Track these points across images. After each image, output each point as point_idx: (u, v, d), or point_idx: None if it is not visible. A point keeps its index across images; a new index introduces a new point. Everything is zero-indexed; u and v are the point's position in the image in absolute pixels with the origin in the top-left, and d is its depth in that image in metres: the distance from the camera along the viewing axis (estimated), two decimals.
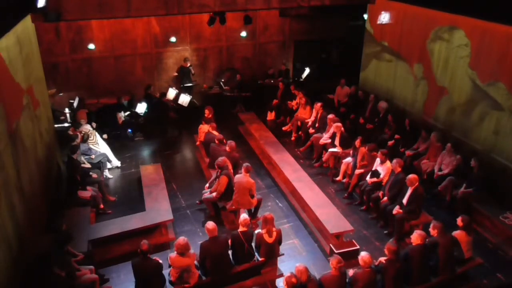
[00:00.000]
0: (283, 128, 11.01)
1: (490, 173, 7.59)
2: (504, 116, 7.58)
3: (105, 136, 9.91)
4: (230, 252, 5.78)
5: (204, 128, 9.03)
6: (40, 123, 7.69)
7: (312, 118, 10.13)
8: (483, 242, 6.97)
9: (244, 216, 5.94)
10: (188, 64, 11.92)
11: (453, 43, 8.58)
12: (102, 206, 7.67)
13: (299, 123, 10.49)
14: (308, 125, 10.11)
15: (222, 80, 12.51)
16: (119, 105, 10.62)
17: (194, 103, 11.76)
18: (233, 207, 7.12)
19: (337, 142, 8.80)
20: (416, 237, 5.49)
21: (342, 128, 8.82)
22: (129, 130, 10.69)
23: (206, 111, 9.41)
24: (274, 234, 5.83)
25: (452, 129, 8.77)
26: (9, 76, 6.06)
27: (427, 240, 5.61)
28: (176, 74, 12.05)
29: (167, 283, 5.47)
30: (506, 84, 7.49)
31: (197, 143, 9.48)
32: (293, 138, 10.56)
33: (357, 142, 8.18)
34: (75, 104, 10.40)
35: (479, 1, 7.10)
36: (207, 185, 7.81)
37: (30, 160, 6.63)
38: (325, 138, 9.19)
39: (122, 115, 10.48)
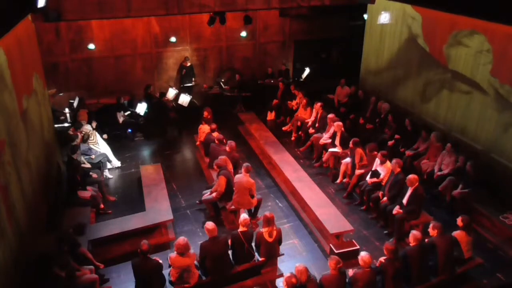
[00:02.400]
0: (283, 128, 11.01)
1: (491, 173, 7.60)
2: None
3: (105, 136, 9.92)
4: (230, 252, 5.79)
5: (204, 128, 9.03)
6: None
7: (312, 118, 10.13)
8: (483, 242, 6.97)
9: (244, 216, 5.94)
10: (188, 63, 11.93)
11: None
12: (102, 206, 7.68)
13: (299, 123, 10.49)
14: (308, 125, 10.12)
15: (222, 80, 12.52)
16: (118, 105, 10.62)
17: (194, 103, 11.77)
18: (233, 207, 7.12)
19: (337, 142, 8.80)
20: (411, 238, 5.49)
21: (343, 128, 8.82)
22: (129, 130, 10.70)
23: (205, 113, 9.40)
24: (274, 233, 5.83)
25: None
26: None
27: (425, 240, 5.62)
28: (184, 71, 12.01)
29: (167, 283, 5.47)
30: None
31: (197, 143, 9.48)
32: (293, 138, 10.57)
33: (351, 144, 8.18)
34: (75, 104, 10.40)
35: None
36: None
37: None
38: (325, 138, 9.19)
39: (122, 114, 10.47)
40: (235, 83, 12.27)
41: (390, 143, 9.20)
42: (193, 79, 12.09)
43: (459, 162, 7.72)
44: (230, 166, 7.49)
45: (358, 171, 8.00)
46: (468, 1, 6.82)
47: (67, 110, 10.29)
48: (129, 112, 10.65)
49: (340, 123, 8.85)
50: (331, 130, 9.07)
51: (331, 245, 6.54)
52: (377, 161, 7.71)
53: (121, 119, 10.43)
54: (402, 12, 9.88)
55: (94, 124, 9.35)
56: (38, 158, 7.14)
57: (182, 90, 11.79)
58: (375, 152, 7.89)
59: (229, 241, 5.73)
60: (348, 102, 11.26)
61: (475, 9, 6.69)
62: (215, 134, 8.63)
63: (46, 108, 8.50)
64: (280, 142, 9.64)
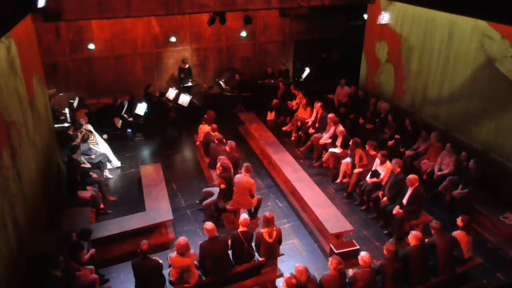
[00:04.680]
0: (283, 128, 11.01)
1: (490, 173, 7.59)
2: None
3: (105, 136, 9.91)
4: (230, 252, 5.78)
5: (204, 128, 9.03)
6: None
7: (312, 118, 10.14)
8: (483, 242, 6.97)
9: (244, 216, 5.94)
10: (187, 66, 11.91)
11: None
12: (102, 206, 7.67)
13: (299, 123, 10.49)
14: (308, 125, 10.12)
15: (222, 80, 12.52)
16: (115, 107, 10.58)
17: (194, 103, 11.77)
18: (233, 207, 7.12)
19: (338, 143, 8.79)
20: (411, 238, 5.49)
21: (345, 132, 8.79)
22: (129, 130, 10.70)
23: (207, 115, 9.35)
24: (274, 234, 5.82)
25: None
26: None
27: (426, 240, 5.62)
28: (183, 75, 12.00)
29: (167, 283, 5.47)
30: None
31: (197, 143, 9.48)
32: (293, 138, 10.57)
33: (351, 144, 8.19)
34: (75, 104, 10.40)
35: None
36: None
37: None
38: (325, 138, 9.19)
39: (119, 120, 10.45)
40: (235, 83, 12.27)
41: (390, 143, 9.20)
42: (190, 79, 12.03)
43: (463, 161, 7.68)
44: (230, 166, 7.48)
45: (357, 170, 8.00)
46: (469, 1, 6.85)
47: (67, 110, 10.28)
48: (125, 109, 10.61)
49: (343, 129, 8.82)
50: (331, 130, 9.07)
51: (331, 245, 6.54)
52: (377, 161, 7.71)
53: (119, 124, 10.43)
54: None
55: (88, 125, 9.34)
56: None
57: (182, 90, 11.79)
58: (375, 152, 7.90)
59: (229, 241, 5.73)
60: (348, 102, 11.26)
61: (475, 9, 6.72)
62: (215, 134, 8.63)
63: (46, 108, 8.50)
64: (280, 142, 9.64)
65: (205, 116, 9.30)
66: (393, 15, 10.10)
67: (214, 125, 8.84)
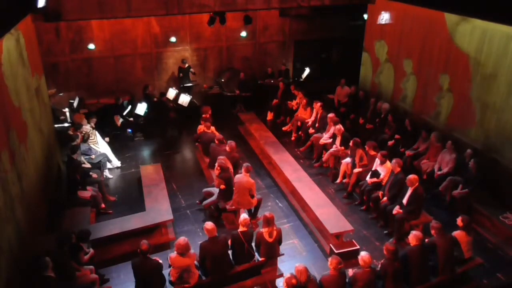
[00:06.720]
0: (283, 128, 11.01)
1: (490, 173, 7.59)
2: None
3: (107, 139, 9.88)
4: (230, 252, 5.78)
5: (202, 128, 9.05)
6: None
7: (312, 118, 10.14)
8: (483, 242, 6.97)
9: (244, 216, 5.94)
10: (186, 65, 11.90)
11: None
12: (103, 205, 7.67)
13: (299, 123, 10.49)
14: (308, 125, 10.12)
15: (222, 80, 12.51)
16: (117, 107, 10.60)
17: (194, 103, 11.76)
18: (233, 207, 7.12)
19: (337, 143, 8.80)
20: (412, 238, 5.49)
21: (342, 129, 8.80)
22: (129, 130, 10.70)
23: (204, 112, 9.37)
24: (274, 233, 5.83)
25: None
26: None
27: (426, 240, 5.62)
28: (192, 70, 11.97)
29: (167, 283, 5.47)
30: None
31: (197, 143, 9.48)
32: (293, 138, 10.57)
33: (351, 144, 8.20)
34: (75, 104, 10.40)
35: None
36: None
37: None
38: (325, 138, 9.19)
39: (121, 116, 10.46)
40: (238, 81, 12.26)
41: (390, 143, 9.20)
42: (192, 74, 12.01)
43: (466, 157, 7.66)
44: (229, 166, 7.48)
45: (356, 170, 8.00)
46: (469, 1, 6.87)
47: (67, 110, 10.28)
48: (127, 111, 10.62)
49: (341, 127, 8.82)
50: (331, 130, 9.07)
51: (331, 245, 6.54)
52: (377, 161, 7.71)
53: (119, 122, 10.43)
54: None
55: (93, 122, 9.33)
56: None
57: (182, 90, 11.79)
58: (375, 152, 7.89)
59: (229, 241, 5.73)
60: (348, 102, 11.27)
61: (475, 9, 6.74)
62: (212, 130, 8.64)
63: (46, 108, 8.51)
64: (280, 142, 9.64)
65: (203, 115, 9.32)
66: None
67: (208, 123, 8.86)
